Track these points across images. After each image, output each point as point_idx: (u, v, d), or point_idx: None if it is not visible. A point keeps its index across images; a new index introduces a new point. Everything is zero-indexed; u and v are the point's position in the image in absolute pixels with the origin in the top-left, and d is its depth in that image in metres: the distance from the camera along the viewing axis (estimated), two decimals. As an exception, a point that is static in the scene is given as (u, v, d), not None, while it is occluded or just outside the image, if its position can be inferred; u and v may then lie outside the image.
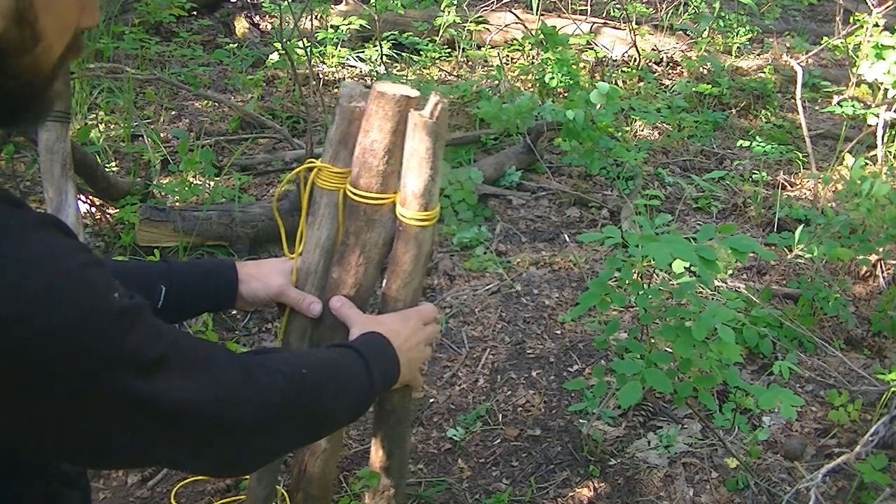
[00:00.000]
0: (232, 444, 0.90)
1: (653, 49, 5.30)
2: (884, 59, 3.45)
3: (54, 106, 0.85)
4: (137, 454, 0.82)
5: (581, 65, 4.77)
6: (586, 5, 5.85)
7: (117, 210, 3.10)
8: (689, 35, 5.53)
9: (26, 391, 0.69)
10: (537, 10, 5.53)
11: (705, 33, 5.43)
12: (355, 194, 1.36)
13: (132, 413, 0.76)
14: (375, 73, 4.94)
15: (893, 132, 3.84)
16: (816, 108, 4.73)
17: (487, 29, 5.51)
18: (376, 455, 1.48)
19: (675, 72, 5.29)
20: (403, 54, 5.22)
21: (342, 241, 1.40)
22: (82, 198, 2.94)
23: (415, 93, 1.32)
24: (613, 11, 6.01)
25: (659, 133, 4.39)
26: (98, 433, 0.76)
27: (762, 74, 5.03)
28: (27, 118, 0.82)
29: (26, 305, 0.67)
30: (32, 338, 0.68)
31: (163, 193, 3.32)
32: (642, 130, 4.38)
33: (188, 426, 0.83)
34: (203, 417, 0.84)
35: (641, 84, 4.84)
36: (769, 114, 4.64)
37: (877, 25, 3.95)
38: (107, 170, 3.30)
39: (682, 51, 5.30)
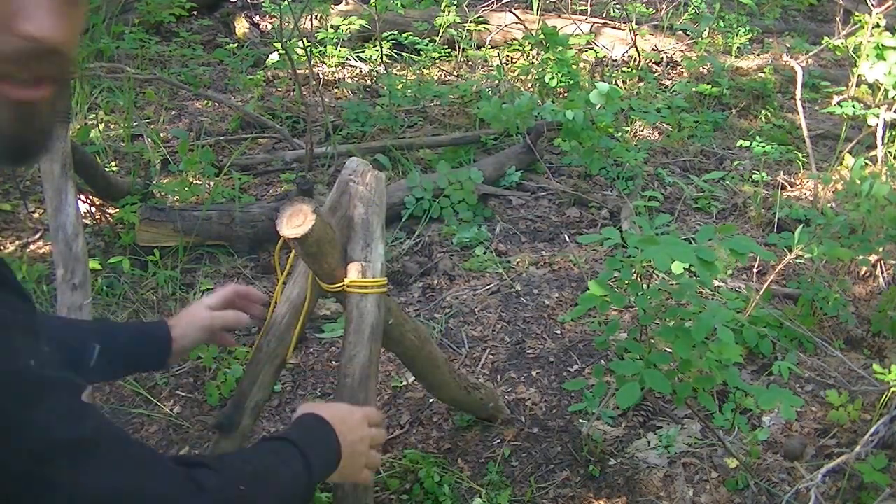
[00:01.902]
0: None
1: (653, 49, 5.30)
2: (884, 59, 3.45)
3: (30, 154, 0.71)
4: None
5: (581, 65, 4.77)
6: (586, 5, 5.85)
7: (117, 210, 3.10)
8: (689, 35, 5.53)
9: None
10: (537, 10, 5.53)
11: (705, 33, 5.43)
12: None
13: (39, 497, 0.68)
14: (375, 73, 4.95)
15: (893, 133, 3.84)
16: (816, 108, 4.73)
17: (487, 29, 5.51)
18: None
19: (675, 72, 5.29)
20: (403, 54, 5.22)
21: None
22: (82, 198, 2.94)
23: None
24: (613, 11, 6.01)
25: (659, 133, 4.39)
26: None
27: (762, 74, 5.03)
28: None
29: None
30: None
31: (163, 193, 3.32)
32: (642, 130, 4.38)
33: None
34: None
35: (641, 84, 4.84)
36: (769, 114, 4.64)
37: (877, 26, 3.95)
38: (107, 170, 3.30)
39: (682, 51, 5.30)
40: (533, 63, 4.94)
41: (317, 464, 1.10)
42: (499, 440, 2.24)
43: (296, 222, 1.31)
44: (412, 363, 1.89)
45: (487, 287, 2.94)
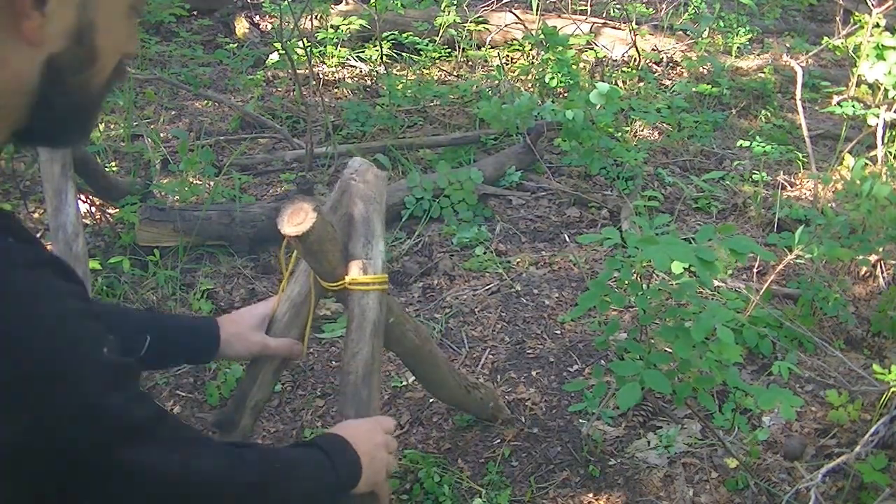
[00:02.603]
0: None
1: (653, 49, 5.30)
2: (884, 59, 3.45)
3: (94, 127, 0.87)
4: None
5: (581, 65, 4.77)
6: (586, 5, 5.85)
7: (117, 210, 3.10)
8: (689, 35, 5.53)
9: None
10: (537, 10, 5.53)
11: (705, 33, 5.43)
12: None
13: (99, 476, 0.72)
14: (375, 73, 4.95)
15: (893, 133, 3.83)
16: (816, 108, 4.73)
17: (487, 29, 5.51)
18: None
19: (675, 72, 5.28)
20: (403, 54, 5.22)
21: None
22: (82, 198, 2.94)
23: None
24: (613, 11, 6.01)
25: (659, 133, 4.39)
26: (56, 492, 0.71)
27: (762, 74, 5.03)
28: (72, 137, 0.84)
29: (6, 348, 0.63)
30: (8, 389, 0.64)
31: (163, 193, 3.32)
32: (642, 130, 4.38)
33: (157, 501, 0.79)
34: (177, 496, 0.81)
35: (641, 84, 4.84)
36: (769, 114, 4.64)
37: (877, 25, 3.95)
38: (107, 170, 3.31)
39: (682, 51, 5.30)
40: (533, 63, 4.93)
41: (340, 465, 1.14)
42: (499, 440, 2.24)
43: (297, 220, 1.31)
44: (412, 363, 1.89)
45: (487, 287, 2.94)
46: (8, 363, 0.65)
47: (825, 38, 4.93)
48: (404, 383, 2.45)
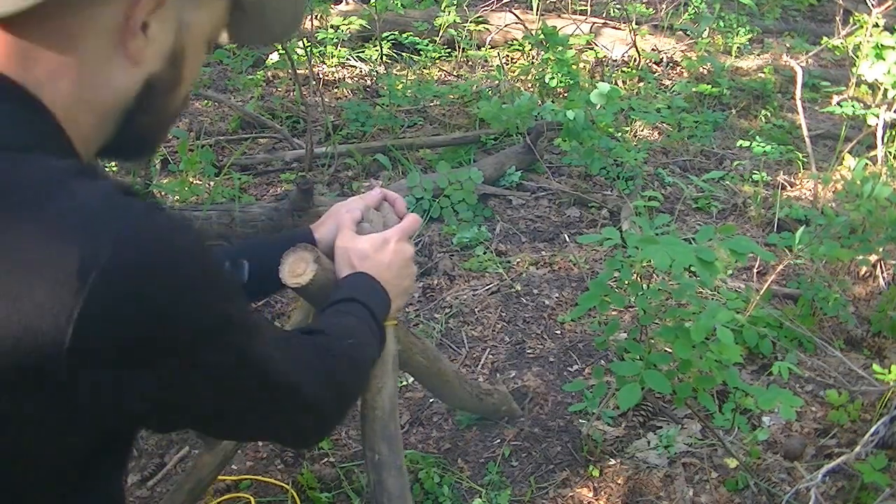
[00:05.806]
0: (316, 417, 0.97)
1: (653, 49, 5.30)
2: (884, 59, 3.45)
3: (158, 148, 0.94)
4: (241, 425, 0.87)
5: (581, 65, 4.77)
6: (586, 5, 5.85)
7: (117, 210, 3.10)
8: (689, 35, 5.53)
9: (150, 361, 0.71)
10: (537, 10, 5.53)
11: (705, 33, 5.43)
12: None
13: (245, 378, 0.81)
14: (375, 73, 4.95)
15: (893, 132, 3.83)
16: (816, 108, 4.73)
17: (487, 29, 5.51)
18: None
19: (675, 72, 5.29)
20: (403, 54, 5.22)
21: None
22: (82, 198, 2.94)
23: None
24: (613, 12, 6.01)
25: (659, 133, 4.39)
26: (214, 401, 0.80)
27: (762, 74, 5.03)
28: (139, 155, 0.91)
29: (157, 277, 0.70)
30: (164, 309, 0.70)
31: (163, 193, 3.32)
32: (642, 130, 4.38)
33: (284, 398, 0.88)
34: (294, 390, 0.89)
35: (641, 84, 4.84)
36: (769, 114, 4.64)
37: (877, 25, 3.94)
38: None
39: (682, 51, 5.30)
40: (533, 63, 4.94)
41: (379, 317, 1.19)
42: (499, 440, 2.24)
43: (297, 271, 1.29)
44: (423, 381, 1.93)
45: (487, 287, 2.94)
46: (170, 293, 0.71)
47: (825, 38, 4.93)
48: (404, 383, 2.45)
